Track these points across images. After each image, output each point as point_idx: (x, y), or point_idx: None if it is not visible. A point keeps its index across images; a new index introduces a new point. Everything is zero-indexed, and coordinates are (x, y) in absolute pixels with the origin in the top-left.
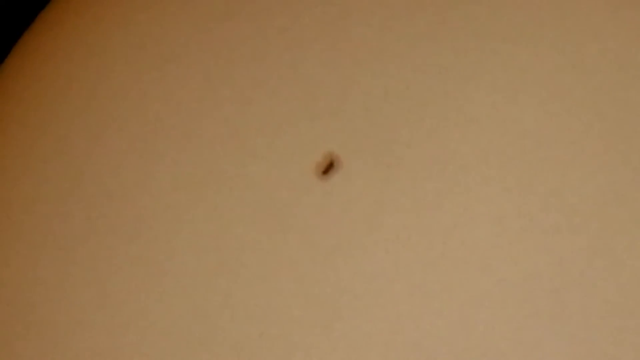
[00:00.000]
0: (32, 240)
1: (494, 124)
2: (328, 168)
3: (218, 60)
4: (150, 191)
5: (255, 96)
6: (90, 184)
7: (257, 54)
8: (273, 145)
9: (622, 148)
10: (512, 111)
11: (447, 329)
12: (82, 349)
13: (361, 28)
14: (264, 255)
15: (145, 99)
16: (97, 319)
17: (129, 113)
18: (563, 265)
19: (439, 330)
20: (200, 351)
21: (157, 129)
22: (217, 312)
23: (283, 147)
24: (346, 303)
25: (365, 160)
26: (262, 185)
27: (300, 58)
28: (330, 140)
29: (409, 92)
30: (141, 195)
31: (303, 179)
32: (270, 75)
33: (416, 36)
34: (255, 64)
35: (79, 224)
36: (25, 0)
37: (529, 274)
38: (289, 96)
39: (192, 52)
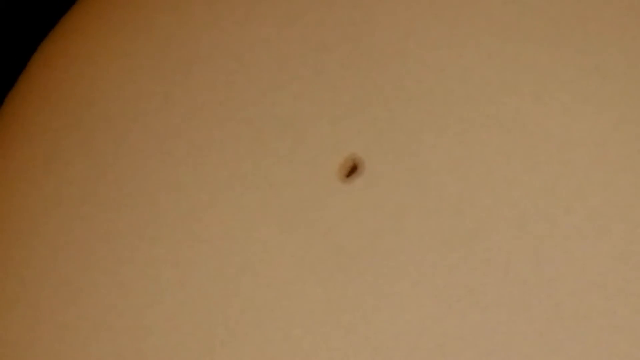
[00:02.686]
0: (53, 242)
1: (518, 127)
2: (351, 171)
3: (241, 63)
4: (173, 193)
5: (278, 99)
6: (113, 186)
7: (280, 56)
8: (296, 148)
9: None
10: (536, 114)
11: (470, 331)
12: (103, 352)
13: (384, 30)
14: (286, 257)
15: (168, 102)
16: (119, 322)
17: (151, 115)
18: (586, 269)
19: (462, 333)
20: (223, 354)
21: (180, 131)
22: (239, 315)
23: (306, 149)
24: (369, 305)
25: (389, 163)
26: (285, 188)
27: (323, 60)
28: (353, 143)
29: (433, 94)
30: (164, 198)
31: (326, 182)
32: (293, 77)
33: (439, 39)
34: (278, 66)
35: (101, 227)
36: (47, 4)
37: (551, 278)
38: (311, 99)
39: (215, 54)
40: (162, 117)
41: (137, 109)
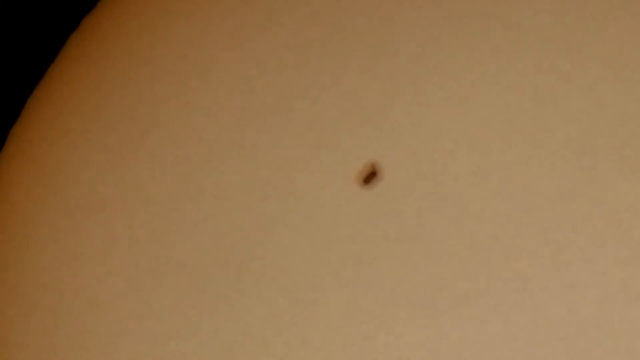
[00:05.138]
0: (72, 248)
1: (537, 133)
2: (370, 177)
3: (260, 69)
4: (192, 199)
5: (298, 105)
6: (132, 191)
7: (299, 62)
8: (315, 154)
9: None
10: (555, 120)
11: (491, 338)
12: (122, 358)
13: (404, 36)
14: (305, 263)
15: (187, 108)
16: (137, 328)
17: (171, 122)
18: (606, 275)
19: (482, 339)
20: None
21: (200, 137)
22: (258, 321)
23: (325, 155)
24: (388, 312)
25: (407, 169)
26: (304, 194)
27: (342, 66)
28: (372, 149)
29: (452, 100)
30: (183, 204)
31: (345, 188)
32: (312, 84)
33: (459, 44)
34: (298, 72)
35: (120, 232)
36: (66, 9)
37: (571, 284)
38: (331, 105)
39: (235, 61)
40: (181, 123)
41: (156, 115)
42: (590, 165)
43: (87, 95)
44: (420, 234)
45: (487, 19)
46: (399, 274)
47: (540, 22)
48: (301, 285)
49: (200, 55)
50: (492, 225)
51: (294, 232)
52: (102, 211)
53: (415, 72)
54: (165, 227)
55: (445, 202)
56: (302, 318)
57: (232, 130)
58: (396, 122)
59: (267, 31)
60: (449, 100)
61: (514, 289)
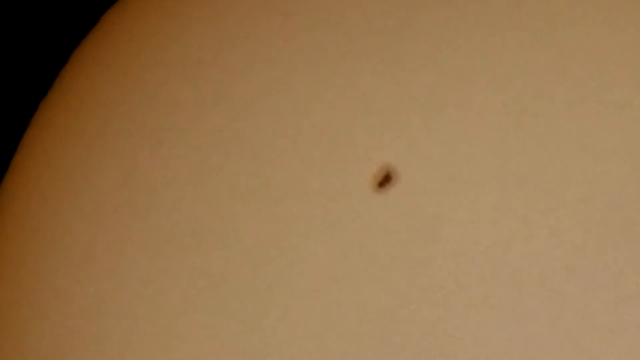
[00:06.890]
0: (85, 252)
1: (551, 136)
2: (384, 180)
3: (275, 72)
4: (206, 202)
5: (312, 108)
6: (146, 194)
7: (313, 64)
8: (330, 157)
9: None
10: (569, 123)
11: (506, 342)
12: None
13: (419, 39)
14: (320, 267)
15: (201, 111)
16: (152, 331)
17: (185, 125)
18: (622, 279)
19: (498, 343)
20: None
21: (213, 140)
22: (273, 325)
23: (339, 158)
24: (403, 316)
25: (422, 172)
26: (318, 197)
27: (357, 69)
28: (387, 153)
29: (467, 103)
30: (197, 207)
31: (359, 191)
32: (327, 87)
33: (473, 47)
34: (312, 75)
35: (134, 236)
36: (81, 11)
37: (587, 288)
38: (345, 108)
39: (249, 63)
40: (194, 126)
41: (171, 118)
42: (605, 168)
43: (100, 98)
44: (435, 237)
45: (502, 22)
46: (413, 278)
47: (555, 25)
48: (315, 288)
49: (215, 59)
50: (507, 229)
51: (308, 235)
52: (115, 215)
53: (431, 75)
54: (179, 229)
55: (460, 205)
56: (316, 321)
57: (246, 134)
58: (411, 126)
59: (282, 34)
60: (464, 104)
61: (529, 292)
